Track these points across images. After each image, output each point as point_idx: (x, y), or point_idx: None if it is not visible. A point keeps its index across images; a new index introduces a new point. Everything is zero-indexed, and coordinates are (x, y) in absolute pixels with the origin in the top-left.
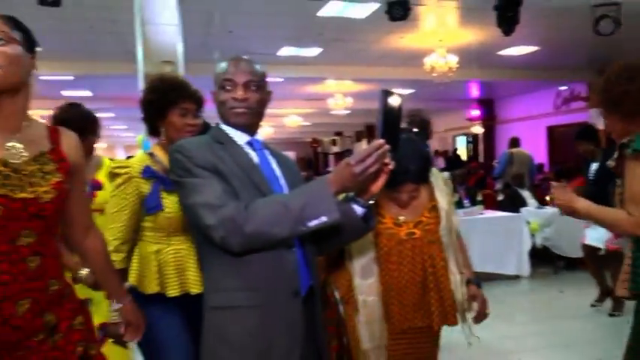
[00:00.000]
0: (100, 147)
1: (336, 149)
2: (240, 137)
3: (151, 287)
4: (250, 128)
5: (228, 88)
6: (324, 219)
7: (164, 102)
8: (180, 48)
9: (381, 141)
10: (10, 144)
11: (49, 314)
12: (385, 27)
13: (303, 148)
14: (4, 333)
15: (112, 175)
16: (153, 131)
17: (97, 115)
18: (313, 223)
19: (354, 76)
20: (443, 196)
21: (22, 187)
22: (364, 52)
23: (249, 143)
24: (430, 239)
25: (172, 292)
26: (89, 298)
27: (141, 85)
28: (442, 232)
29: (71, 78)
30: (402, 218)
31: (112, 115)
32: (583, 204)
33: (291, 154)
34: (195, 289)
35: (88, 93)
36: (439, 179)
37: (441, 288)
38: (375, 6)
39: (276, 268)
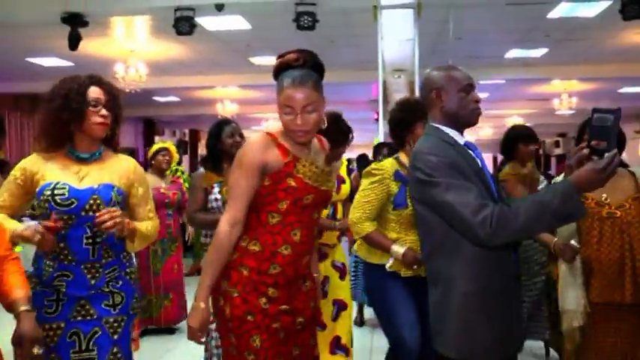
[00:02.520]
0: None
1: (558, 151)
2: (460, 138)
3: (391, 265)
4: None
5: (470, 91)
6: (575, 216)
7: (412, 118)
8: (415, 59)
9: (616, 151)
10: (314, 154)
11: (305, 268)
12: (618, 24)
13: None
14: (293, 277)
15: (368, 174)
16: (399, 142)
17: None
18: (567, 219)
19: (581, 76)
20: None
21: (324, 183)
22: (593, 50)
23: (466, 145)
24: (630, 221)
25: (406, 273)
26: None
27: (380, 91)
28: None
29: None
30: (604, 196)
31: None
32: None
33: None
34: (407, 269)
35: None
36: None
37: (637, 267)
38: (607, 4)
39: (505, 259)
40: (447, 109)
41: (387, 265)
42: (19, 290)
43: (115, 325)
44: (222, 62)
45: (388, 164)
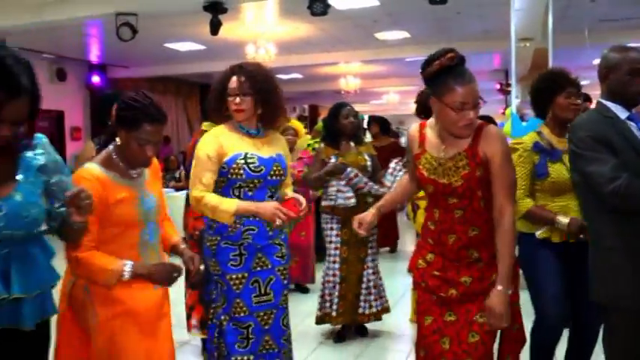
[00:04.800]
0: None
1: None
2: (622, 113)
3: (541, 233)
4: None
5: (638, 75)
6: None
7: (554, 88)
8: (549, 27)
9: None
10: (449, 146)
11: (473, 250)
12: None
13: None
14: (445, 251)
15: (512, 150)
16: (540, 113)
17: None
18: None
19: None
20: None
21: (442, 176)
22: None
23: (630, 118)
24: None
25: (555, 239)
26: None
27: (513, 61)
28: None
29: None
30: None
31: None
32: None
33: None
34: (572, 238)
35: None
36: None
37: None
38: None
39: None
40: (612, 87)
41: (538, 234)
42: (176, 236)
43: (285, 272)
44: (346, 39)
45: (528, 137)
